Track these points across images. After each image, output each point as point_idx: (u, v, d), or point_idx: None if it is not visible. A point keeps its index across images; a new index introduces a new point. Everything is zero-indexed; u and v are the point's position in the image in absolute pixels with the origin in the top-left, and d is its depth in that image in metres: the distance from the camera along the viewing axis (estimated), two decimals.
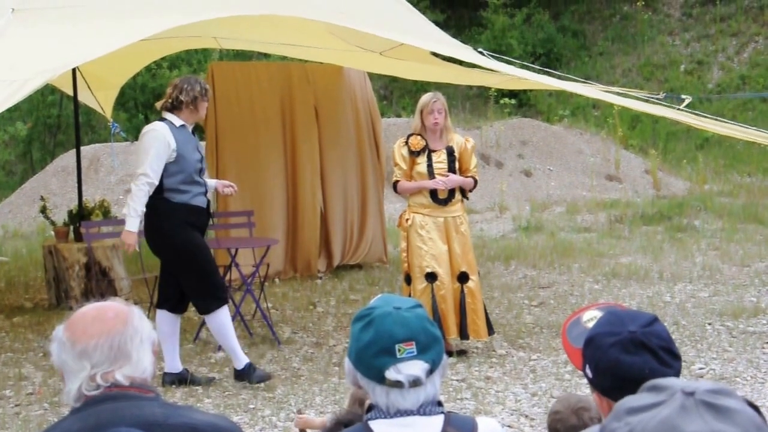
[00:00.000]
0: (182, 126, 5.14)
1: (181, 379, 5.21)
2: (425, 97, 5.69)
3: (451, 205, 5.67)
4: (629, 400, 1.19)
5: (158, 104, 5.27)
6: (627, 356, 1.66)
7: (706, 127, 6.76)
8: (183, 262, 5.12)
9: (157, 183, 5.01)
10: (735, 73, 17.49)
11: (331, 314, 6.95)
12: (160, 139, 5.02)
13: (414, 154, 5.63)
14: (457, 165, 5.66)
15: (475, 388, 5.09)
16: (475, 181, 5.76)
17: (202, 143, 11.51)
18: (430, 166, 5.60)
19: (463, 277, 5.65)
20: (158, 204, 5.06)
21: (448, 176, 5.58)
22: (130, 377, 1.72)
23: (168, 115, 5.14)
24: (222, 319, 5.17)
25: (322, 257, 8.40)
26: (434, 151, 5.63)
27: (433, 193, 5.63)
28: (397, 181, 5.66)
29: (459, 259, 5.65)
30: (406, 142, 5.66)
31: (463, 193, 5.76)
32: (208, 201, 5.29)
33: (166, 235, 5.09)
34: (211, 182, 5.52)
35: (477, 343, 5.90)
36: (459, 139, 5.75)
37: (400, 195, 5.91)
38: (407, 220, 5.66)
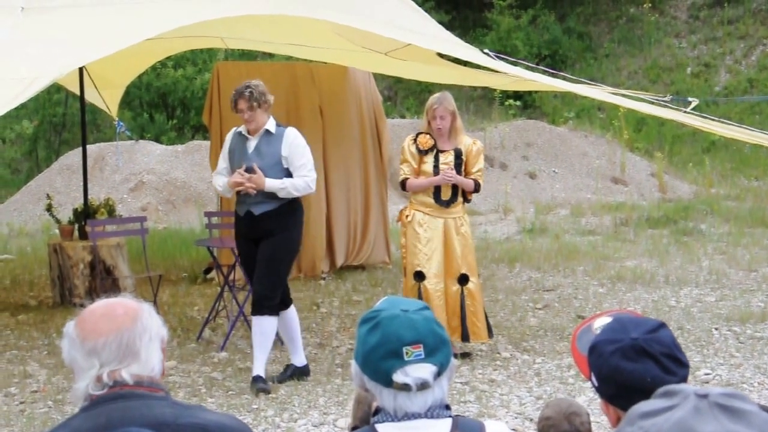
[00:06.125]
0: None
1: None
2: (430, 100, 5.68)
3: (453, 207, 5.64)
4: (642, 405, 1.18)
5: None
6: (628, 363, 1.65)
7: (713, 130, 6.73)
8: (291, 259, 5.37)
9: None
10: (742, 76, 17.44)
11: (335, 315, 6.94)
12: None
13: (422, 152, 5.61)
14: (463, 167, 5.64)
15: (479, 391, 5.07)
16: (477, 184, 5.66)
17: (206, 143, 11.54)
18: (436, 166, 5.58)
19: (463, 279, 5.62)
20: (298, 205, 5.31)
21: (451, 173, 5.55)
22: (138, 375, 1.71)
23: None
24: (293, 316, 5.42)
25: (325, 258, 8.39)
26: (442, 151, 5.61)
27: (437, 195, 5.61)
28: (406, 179, 5.65)
29: (459, 261, 5.61)
30: (415, 140, 5.65)
31: (465, 195, 5.71)
32: None
33: (299, 234, 5.36)
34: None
35: (481, 346, 5.89)
36: (468, 141, 5.70)
37: (408, 192, 5.88)
38: (407, 216, 5.66)
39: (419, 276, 5.55)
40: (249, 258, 5.31)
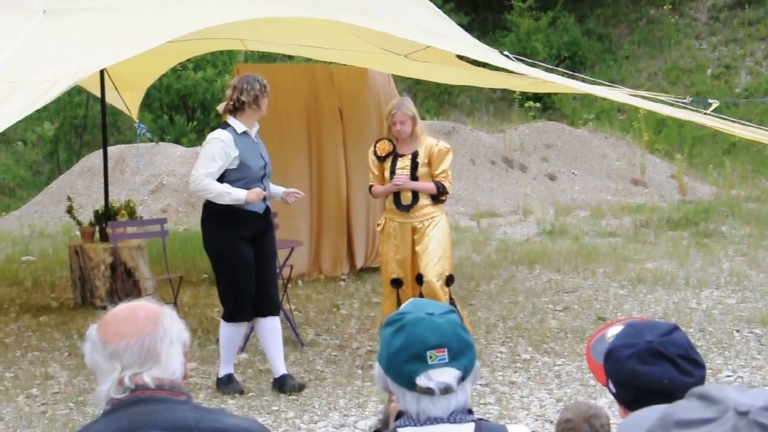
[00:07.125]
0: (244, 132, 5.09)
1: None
2: (389, 105, 5.70)
3: (415, 212, 5.57)
4: (677, 410, 1.15)
5: (219, 107, 5.21)
6: (645, 366, 1.65)
7: (733, 131, 6.68)
8: None
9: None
10: (763, 78, 17.28)
11: (355, 317, 6.94)
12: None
13: (380, 159, 5.62)
14: (425, 170, 5.54)
15: (499, 393, 5.06)
16: (440, 187, 5.51)
17: None
18: (393, 172, 5.56)
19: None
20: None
21: (401, 178, 5.50)
22: (159, 379, 1.71)
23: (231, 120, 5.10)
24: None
25: (344, 260, 8.39)
26: (401, 156, 5.59)
27: (397, 200, 5.60)
28: (371, 186, 5.71)
29: (420, 262, 5.58)
30: (375, 147, 5.68)
31: (436, 197, 5.59)
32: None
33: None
34: (278, 189, 5.39)
35: (501, 348, 5.87)
36: (429, 143, 5.60)
37: (375, 198, 5.96)
38: (378, 224, 5.76)
39: (396, 283, 5.58)
40: (250, 260, 5.11)
